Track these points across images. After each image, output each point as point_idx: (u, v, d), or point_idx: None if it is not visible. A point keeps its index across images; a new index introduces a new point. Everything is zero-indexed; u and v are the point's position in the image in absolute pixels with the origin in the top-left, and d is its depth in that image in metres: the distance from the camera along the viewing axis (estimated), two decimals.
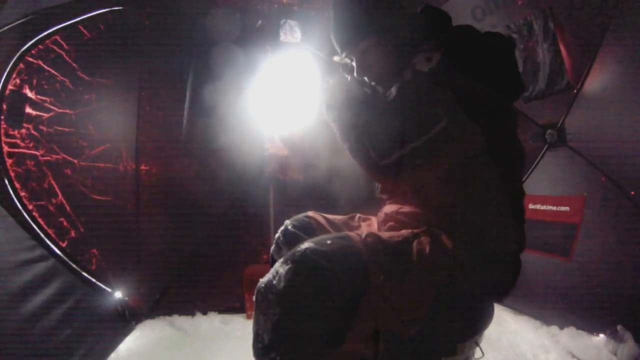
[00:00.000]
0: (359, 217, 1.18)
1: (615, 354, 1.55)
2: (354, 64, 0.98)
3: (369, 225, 1.13)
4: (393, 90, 0.84)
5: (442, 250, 0.81)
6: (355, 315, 0.69)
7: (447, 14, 0.96)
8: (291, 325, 0.68)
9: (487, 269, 0.85)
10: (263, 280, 0.74)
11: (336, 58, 1.02)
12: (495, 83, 0.83)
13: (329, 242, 0.74)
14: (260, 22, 2.36)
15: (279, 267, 0.72)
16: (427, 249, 0.80)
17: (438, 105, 0.78)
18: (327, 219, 1.11)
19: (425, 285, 0.77)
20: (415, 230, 0.87)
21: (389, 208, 1.04)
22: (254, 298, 0.75)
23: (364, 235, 0.79)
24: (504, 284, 0.90)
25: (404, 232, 0.89)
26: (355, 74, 0.98)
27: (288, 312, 0.67)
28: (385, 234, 0.86)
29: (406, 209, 0.97)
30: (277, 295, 0.68)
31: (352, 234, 0.81)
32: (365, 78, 0.98)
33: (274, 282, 0.70)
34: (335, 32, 0.96)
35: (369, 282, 0.71)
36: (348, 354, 0.70)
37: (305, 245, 0.73)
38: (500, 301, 0.95)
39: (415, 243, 0.82)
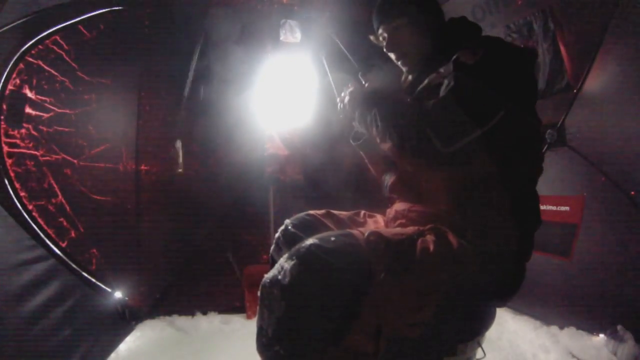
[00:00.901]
0: (365, 214, 1.18)
1: (615, 354, 1.55)
2: (384, 42, 1.09)
3: (375, 222, 1.13)
4: (449, 80, 0.87)
5: (447, 250, 0.81)
6: (358, 312, 0.70)
7: (480, 26, 1.05)
8: (295, 320, 0.69)
9: (489, 270, 0.84)
10: (268, 276, 0.75)
11: (372, 37, 1.15)
12: (515, 90, 0.86)
13: (332, 239, 0.76)
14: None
15: (284, 263, 0.73)
16: (431, 248, 0.80)
17: (495, 96, 0.82)
18: (331, 216, 1.11)
19: (429, 285, 0.77)
20: (421, 228, 0.88)
21: (400, 205, 1.05)
22: (258, 293, 0.75)
23: (367, 234, 0.79)
24: (506, 287, 0.90)
25: (409, 229, 0.89)
26: (384, 49, 1.11)
27: (292, 306, 0.68)
28: (388, 232, 0.86)
29: (417, 207, 0.98)
30: (282, 290, 0.69)
31: (355, 231, 0.82)
32: (392, 54, 1.10)
33: (279, 277, 0.71)
34: (378, 8, 1.09)
35: (372, 279, 0.72)
36: (349, 350, 0.70)
37: (310, 241, 0.75)
38: (501, 305, 0.94)
39: (419, 241, 0.82)
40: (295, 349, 0.69)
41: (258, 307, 0.75)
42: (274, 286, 0.71)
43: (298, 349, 0.69)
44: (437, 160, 0.86)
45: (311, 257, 0.71)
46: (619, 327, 1.57)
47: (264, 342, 0.71)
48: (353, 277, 0.71)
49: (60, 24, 1.76)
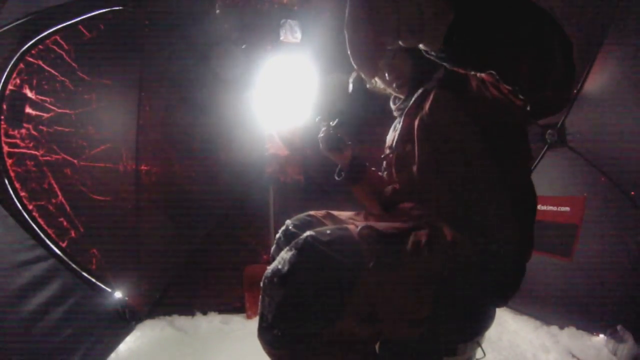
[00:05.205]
0: (365, 214, 1.18)
1: (615, 354, 1.55)
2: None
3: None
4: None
5: (440, 242, 0.83)
6: (350, 296, 0.72)
7: None
8: (292, 305, 0.72)
9: (487, 269, 0.85)
10: (270, 267, 0.79)
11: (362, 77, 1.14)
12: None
13: (328, 232, 0.80)
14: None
15: (284, 254, 0.77)
16: (423, 240, 0.82)
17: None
18: (331, 216, 1.12)
19: (421, 276, 0.78)
20: (417, 223, 0.89)
21: (402, 205, 1.06)
22: (261, 284, 0.78)
23: (360, 227, 0.82)
24: (505, 287, 0.90)
25: (405, 225, 0.90)
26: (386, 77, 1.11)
27: (290, 292, 0.72)
28: (382, 225, 0.88)
29: (419, 207, 0.99)
30: (281, 278, 0.73)
31: (350, 226, 0.85)
32: (394, 78, 1.10)
33: (279, 266, 0.75)
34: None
35: (364, 267, 0.75)
36: (343, 333, 0.73)
37: (307, 233, 0.79)
38: (501, 304, 0.94)
39: (412, 235, 0.84)
40: (291, 331, 0.72)
41: (260, 296, 0.78)
42: (275, 275, 0.75)
43: (294, 331, 0.72)
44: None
45: (308, 247, 0.75)
46: (619, 327, 1.57)
47: (263, 327, 0.75)
48: (346, 263, 0.73)
49: (60, 24, 1.75)
